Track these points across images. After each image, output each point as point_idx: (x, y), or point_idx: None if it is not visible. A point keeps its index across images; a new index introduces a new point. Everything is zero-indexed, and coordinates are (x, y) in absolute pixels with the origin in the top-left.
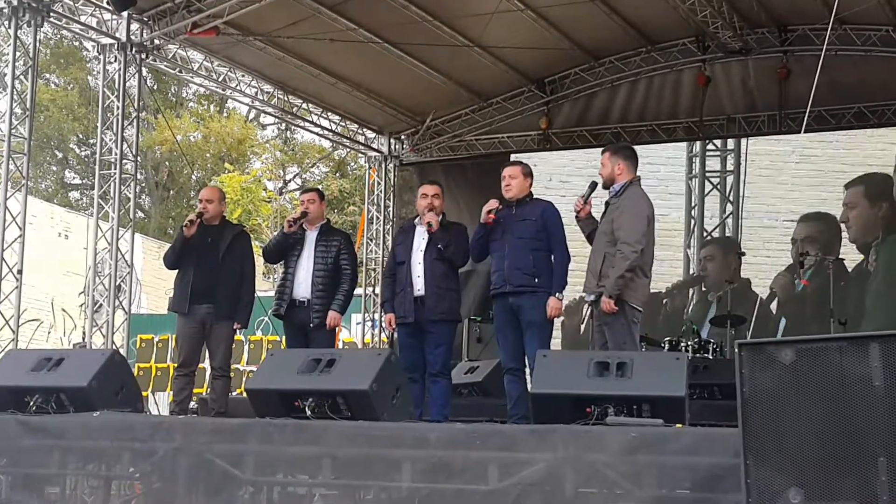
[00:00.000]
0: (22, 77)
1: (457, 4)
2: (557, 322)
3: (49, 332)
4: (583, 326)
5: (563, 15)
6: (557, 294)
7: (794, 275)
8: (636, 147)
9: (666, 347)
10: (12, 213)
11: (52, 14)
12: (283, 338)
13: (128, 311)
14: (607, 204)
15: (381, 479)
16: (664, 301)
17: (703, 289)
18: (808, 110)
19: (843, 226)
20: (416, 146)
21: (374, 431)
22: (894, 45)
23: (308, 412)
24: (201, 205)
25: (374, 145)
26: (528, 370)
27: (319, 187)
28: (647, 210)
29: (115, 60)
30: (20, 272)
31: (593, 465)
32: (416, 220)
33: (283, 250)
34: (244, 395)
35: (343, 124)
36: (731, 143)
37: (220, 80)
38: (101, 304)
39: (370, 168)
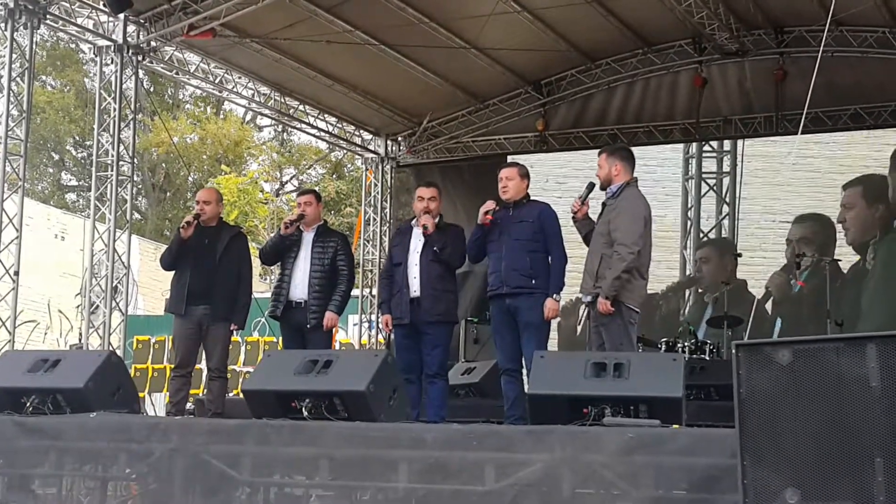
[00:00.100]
0: (18, 79)
1: (454, 6)
2: (554, 323)
3: (45, 334)
4: (579, 327)
5: (560, 17)
6: (554, 295)
7: (790, 275)
8: (633, 148)
9: (663, 348)
10: (9, 215)
11: (48, 16)
12: (280, 339)
13: (124, 313)
14: (604, 205)
15: (378, 480)
16: (660, 303)
17: (700, 290)
18: (805, 112)
19: (839, 226)
20: (412, 148)
21: (370, 432)
22: (891, 47)
23: (305, 413)
24: (198, 206)
25: (371, 147)
26: (524, 371)
27: (316, 189)
28: (644, 211)
29: (112, 62)
30: (17, 273)
31: (590, 466)
32: (413, 222)
33: (280, 252)
34: (241, 396)
35: (340, 126)
36: (727, 144)
37: (216, 81)
38: (97, 306)
39: (367, 170)
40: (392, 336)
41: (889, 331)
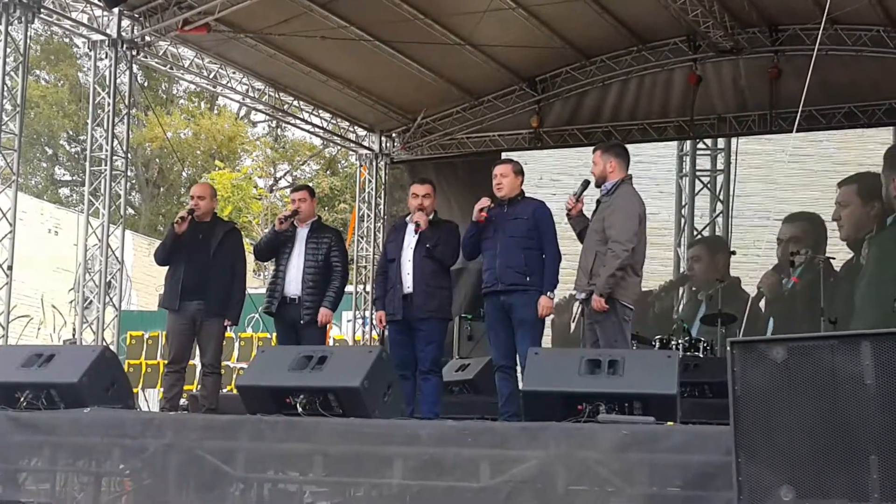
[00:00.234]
0: (12, 73)
1: (448, 3)
2: (547, 320)
3: (39, 329)
4: (573, 324)
5: (555, 13)
6: (549, 293)
7: (782, 274)
8: (627, 146)
9: (657, 346)
10: (2, 210)
11: (42, 10)
12: (274, 335)
13: (118, 308)
14: (598, 202)
15: (372, 477)
16: (654, 300)
17: (693, 288)
18: (799, 110)
19: (834, 224)
20: (406, 144)
21: (365, 428)
22: (885, 46)
23: (299, 409)
24: (193, 201)
25: (365, 143)
26: (519, 368)
27: (310, 185)
28: (638, 209)
29: (106, 57)
30: (10, 268)
31: (585, 463)
32: (408, 219)
33: (274, 248)
34: (234, 392)
35: (334, 122)
36: (721, 142)
37: (210, 77)
38: (91, 301)
39: (361, 166)
40: (386, 332)
41: (881, 328)
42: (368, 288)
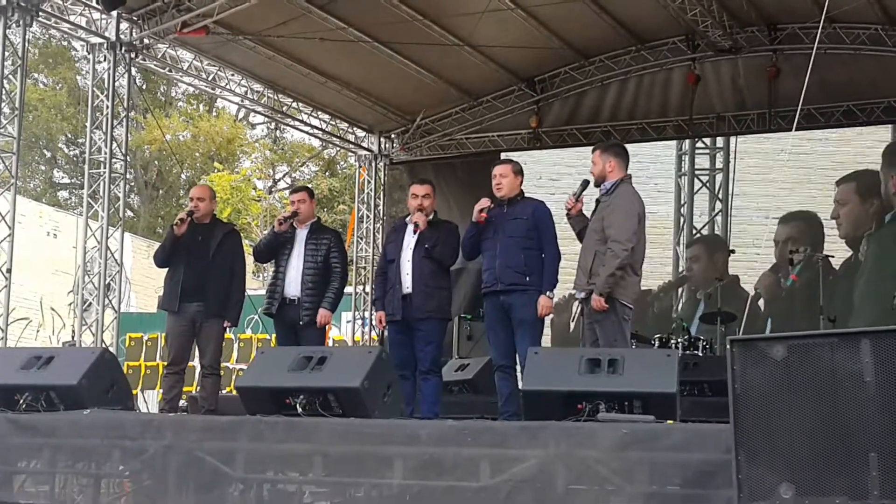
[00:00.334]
0: (11, 76)
1: (447, 3)
2: (547, 320)
3: (38, 331)
4: (572, 324)
5: (553, 14)
6: (548, 293)
7: (780, 275)
8: (626, 145)
9: (656, 345)
10: (1, 213)
11: (41, 13)
12: (273, 336)
13: (117, 310)
14: (598, 202)
15: (372, 477)
16: (653, 299)
17: (692, 287)
18: (799, 108)
19: (832, 222)
20: (405, 145)
21: (365, 429)
22: (883, 44)
23: (299, 409)
24: (192, 203)
25: (364, 144)
26: (518, 368)
27: (309, 186)
28: (637, 208)
29: (105, 60)
30: (9, 271)
31: (584, 462)
32: (408, 219)
33: (274, 249)
34: (234, 393)
35: (333, 123)
36: (720, 140)
37: (209, 79)
38: (90, 303)
39: (360, 167)
40: (385, 333)
41: (880, 326)
42: (368, 289)
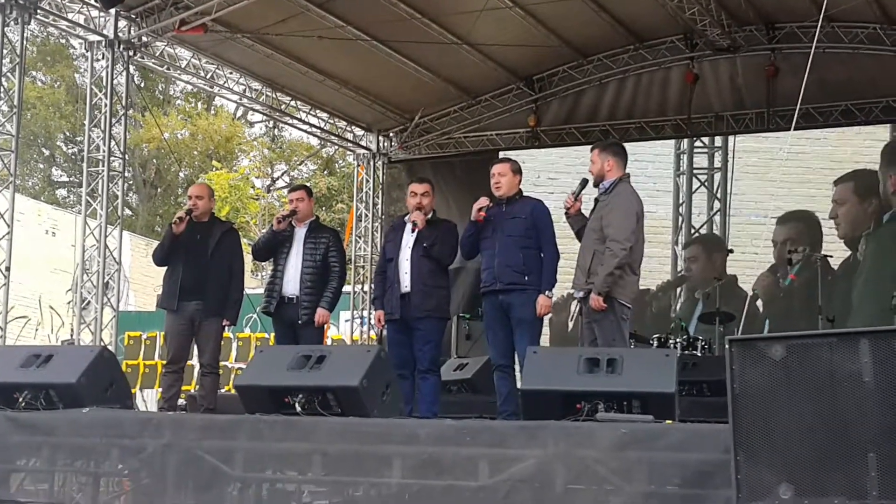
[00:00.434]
0: (9, 74)
1: (445, 2)
2: (545, 319)
3: (37, 330)
4: (570, 323)
5: (552, 12)
6: (547, 292)
7: (778, 274)
8: (624, 144)
9: (654, 344)
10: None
11: (39, 11)
12: (272, 335)
13: (116, 309)
14: (596, 201)
15: (371, 476)
16: (651, 299)
17: (690, 287)
18: (797, 108)
19: (831, 222)
20: (404, 144)
21: (363, 428)
22: (882, 43)
23: (298, 408)
24: (191, 201)
25: (363, 143)
26: (517, 367)
27: (308, 184)
28: (636, 207)
29: (103, 58)
30: (8, 269)
31: (583, 462)
32: (406, 218)
33: (272, 248)
34: (233, 391)
35: (331, 122)
36: (718, 140)
37: (207, 77)
38: (89, 302)
39: (358, 165)
40: (384, 332)
41: (879, 326)
42: (366, 288)
